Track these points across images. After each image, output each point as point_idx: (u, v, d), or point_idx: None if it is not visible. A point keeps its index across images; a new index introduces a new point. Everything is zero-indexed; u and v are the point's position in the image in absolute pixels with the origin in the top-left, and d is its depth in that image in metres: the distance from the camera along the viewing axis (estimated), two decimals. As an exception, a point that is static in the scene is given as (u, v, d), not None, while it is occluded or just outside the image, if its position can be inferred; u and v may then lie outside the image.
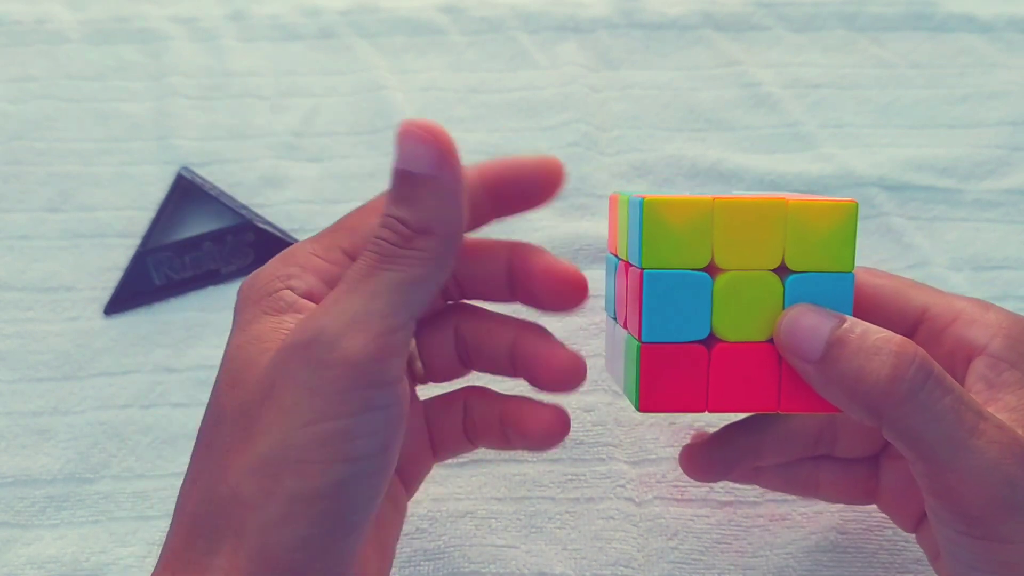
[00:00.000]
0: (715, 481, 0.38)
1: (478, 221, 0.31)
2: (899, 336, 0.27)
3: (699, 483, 0.38)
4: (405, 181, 0.27)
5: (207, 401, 0.28)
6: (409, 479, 0.33)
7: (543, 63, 0.53)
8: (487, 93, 0.52)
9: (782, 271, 0.28)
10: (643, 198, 0.28)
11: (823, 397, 0.28)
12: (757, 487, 0.38)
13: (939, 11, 0.54)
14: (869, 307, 0.31)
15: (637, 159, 0.49)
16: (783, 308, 0.28)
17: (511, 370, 0.32)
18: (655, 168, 0.48)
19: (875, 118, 0.51)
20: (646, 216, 0.28)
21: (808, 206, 0.28)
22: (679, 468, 0.38)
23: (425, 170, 0.27)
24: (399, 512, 0.32)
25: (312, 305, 0.28)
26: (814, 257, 0.28)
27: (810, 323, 0.27)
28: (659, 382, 0.28)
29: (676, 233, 0.28)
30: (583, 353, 0.42)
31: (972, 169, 0.48)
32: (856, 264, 0.30)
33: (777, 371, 0.29)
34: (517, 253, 0.31)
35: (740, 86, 0.52)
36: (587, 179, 0.48)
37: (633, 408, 0.30)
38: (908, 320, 0.31)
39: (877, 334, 0.27)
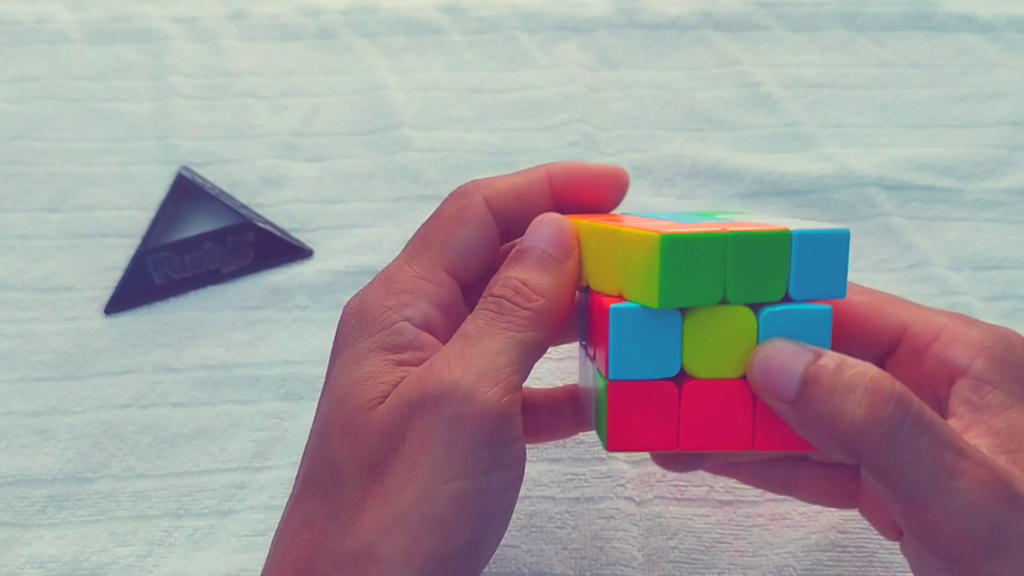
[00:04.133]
0: (685, 472, 0.37)
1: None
2: (875, 370, 0.26)
3: (698, 484, 0.38)
4: (534, 256, 0.28)
5: (312, 437, 0.28)
6: None
7: (543, 63, 0.53)
8: (487, 93, 0.52)
9: (756, 306, 0.27)
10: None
11: (801, 436, 0.27)
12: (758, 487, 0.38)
13: (939, 11, 0.54)
14: (846, 326, 0.30)
15: (637, 159, 0.49)
16: (757, 343, 0.27)
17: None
18: (655, 168, 0.48)
19: (875, 118, 0.51)
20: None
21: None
22: (679, 468, 0.39)
23: (555, 253, 0.28)
24: None
25: (430, 338, 0.28)
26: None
27: (783, 360, 0.26)
28: (628, 420, 0.27)
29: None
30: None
31: (972, 169, 0.48)
32: (859, 266, 0.29)
33: (751, 408, 0.27)
34: (555, 173, 0.31)
35: (740, 86, 0.52)
36: (587, 179, 0.48)
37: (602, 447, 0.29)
38: (887, 339, 0.30)
39: (852, 369, 0.25)
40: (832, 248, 0.27)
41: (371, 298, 0.28)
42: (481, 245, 0.29)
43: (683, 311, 0.27)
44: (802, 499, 0.35)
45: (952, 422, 0.28)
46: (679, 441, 0.28)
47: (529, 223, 0.30)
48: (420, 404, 0.25)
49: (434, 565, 0.24)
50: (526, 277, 0.28)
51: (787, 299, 0.27)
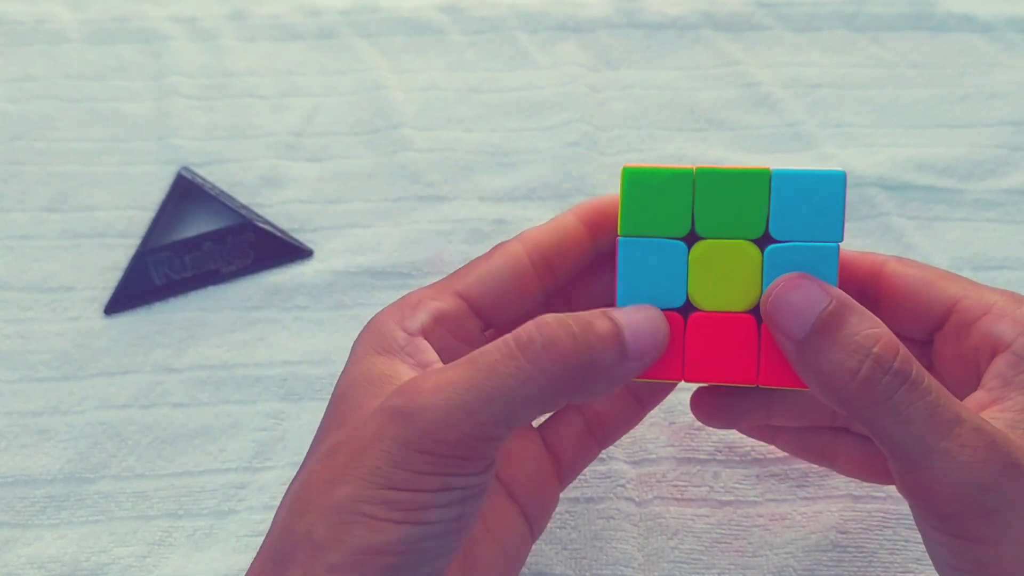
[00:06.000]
0: (724, 428, 0.37)
1: (581, 259, 0.31)
2: (885, 335, 0.26)
3: (698, 484, 0.38)
4: (608, 330, 0.27)
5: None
6: (535, 517, 0.33)
7: (543, 63, 0.53)
8: (487, 93, 0.52)
9: (762, 241, 0.28)
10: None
11: (798, 374, 0.27)
12: (757, 487, 0.38)
13: (939, 11, 0.54)
14: (897, 297, 0.30)
15: (637, 159, 0.49)
16: (761, 278, 0.28)
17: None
18: (655, 168, 0.48)
19: (875, 118, 0.51)
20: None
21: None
22: (679, 468, 0.39)
23: (629, 347, 0.27)
24: (516, 560, 0.32)
25: (423, 343, 0.28)
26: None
27: (799, 300, 0.26)
28: None
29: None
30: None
31: (972, 169, 0.48)
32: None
33: (756, 343, 0.28)
34: (582, 209, 0.31)
35: (740, 86, 0.52)
36: (587, 179, 0.48)
37: None
38: (937, 312, 0.30)
39: (865, 328, 0.26)
40: (824, 190, 0.28)
41: (381, 313, 0.30)
42: (504, 274, 0.30)
43: (689, 243, 0.28)
44: (839, 471, 0.35)
45: (979, 393, 0.28)
46: (684, 372, 0.28)
47: (568, 258, 0.31)
48: (390, 416, 0.26)
49: (364, 556, 0.25)
50: (580, 335, 0.26)
51: (768, 238, 0.28)
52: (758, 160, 0.49)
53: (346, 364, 0.29)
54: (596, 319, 0.27)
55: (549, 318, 0.26)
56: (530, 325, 0.26)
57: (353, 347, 0.29)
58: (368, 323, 0.30)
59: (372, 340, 0.29)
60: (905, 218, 0.47)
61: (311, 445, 0.29)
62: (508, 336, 0.26)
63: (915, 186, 0.48)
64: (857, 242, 0.46)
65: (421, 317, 0.29)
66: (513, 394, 0.25)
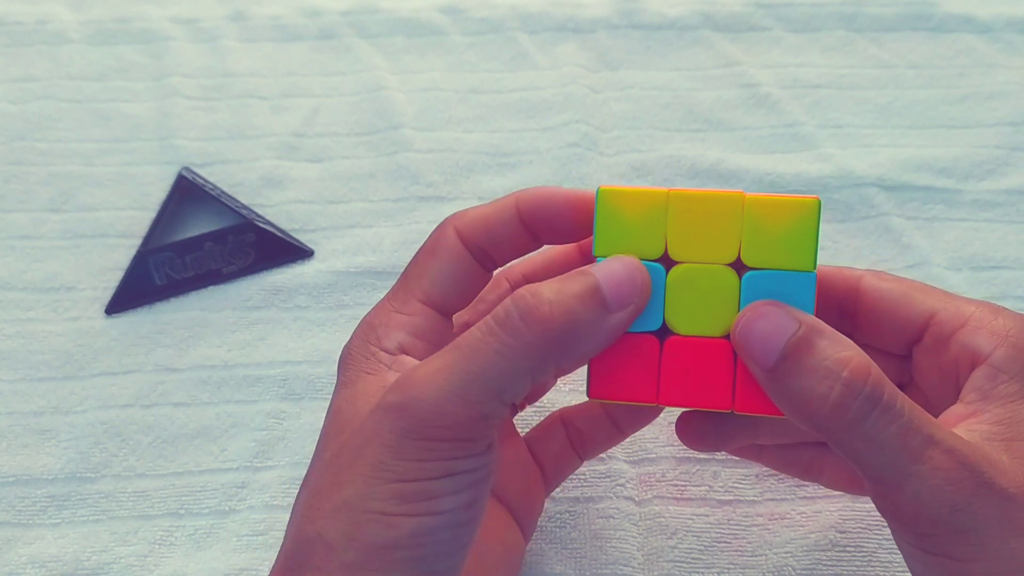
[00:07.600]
0: (710, 451, 0.37)
1: (519, 251, 0.31)
2: (856, 358, 0.26)
3: (697, 483, 0.38)
4: (583, 284, 0.27)
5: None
6: (525, 521, 0.33)
7: (543, 64, 0.53)
8: (487, 93, 0.52)
9: (740, 267, 0.28)
10: (599, 187, 0.28)
11: (772, 401, 0.27)
12: (756, 486, 0.38)
13: (938, 11, 0.55)
14: (875, 312, 0.30)
15: (637, 159, 0.49)
16: (739, 304, 0.28)
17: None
18: (655, 169, 0.49)
19: (874, 118, 0.51)
20: (600, 204, 0.28)
21: (766, 201, 0.27)
22: (679, 467, 0.39)
23: (608, 296, 0.27)
24: (516, 560, 0.33)
25: (408, 359, 0.29)
26: (772, 254, 0.27)
27: (766, 328, 0.26)
28: (610, 370, 0.28)
29: (630, 223, 0.28)
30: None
31: (971, 169, 0.48)
32: (859, 267, 0.29)
33: (732, 368, 0.28)
34: (523, 199, 0.30)
35: (739, 86, 0.52)
36: (587, 179, 0.48)
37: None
38: (914, 325, 0.30)
39: (834, 353, 0.26)
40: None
41: (355, 337, 0.30)
42: (455, 273, 0.30)
43: (667, 267, 0.28)
44: (824, 484, 0.35)
45: (958, 407, 0.28)
46: (658, 395, 0.28)
47: (503, 251, 0.30)
48: (384, 410, 0.26)
49: (377, 551, 0.25)
50: (556, 299, 0.26)
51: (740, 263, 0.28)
52: (757, 161, 0.49)
53: (336, 387, 0.29)
54: (571, 278, 0.27)
55: (524, 290, 0.26)
56: (507, 300, 0.26)
57: (338, 374, 0.29)
58: (346, 348, 0.30)
59: (357, 364, 0.29)
60: (904, 218, 0.47)
61: (313, 457, 0.29)
62: (488, 315, 0.26)
63: (914, 186, 0.48)
64: (856, 242, 0.46)
65: (398, 337, 0.29)
66: (500, 371, 0.25)
